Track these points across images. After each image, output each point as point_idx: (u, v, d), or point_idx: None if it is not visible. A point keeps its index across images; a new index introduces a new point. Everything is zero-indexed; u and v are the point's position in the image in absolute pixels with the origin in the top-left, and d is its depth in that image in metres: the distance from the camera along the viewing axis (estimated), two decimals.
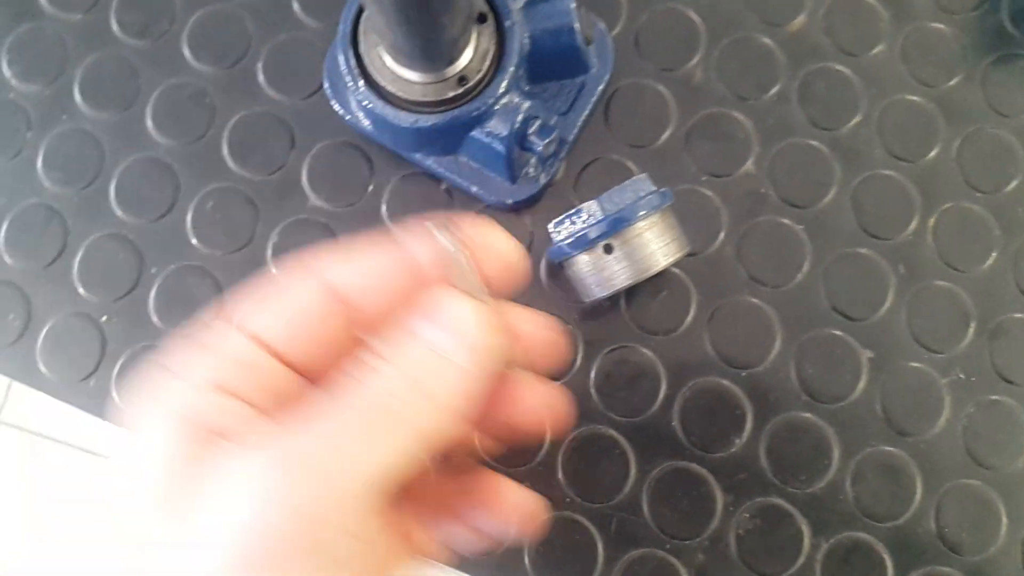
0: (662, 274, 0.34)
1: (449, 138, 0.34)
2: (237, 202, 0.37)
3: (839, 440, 0.35)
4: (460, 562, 0.34)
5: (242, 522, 0.18)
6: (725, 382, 0.35)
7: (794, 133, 0.37)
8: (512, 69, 0.32)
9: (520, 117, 0.32)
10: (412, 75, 0.32)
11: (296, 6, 0.39)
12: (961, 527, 0.34)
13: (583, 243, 0.31)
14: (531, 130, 0.33)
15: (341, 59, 0.32)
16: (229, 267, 0.37)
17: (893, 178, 0.37)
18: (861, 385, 0.35)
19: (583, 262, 0.32)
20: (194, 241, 0.37)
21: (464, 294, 0.21)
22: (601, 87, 0.36)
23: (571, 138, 0.36)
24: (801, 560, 0.34)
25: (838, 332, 0.35)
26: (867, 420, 0.35)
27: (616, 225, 0.31)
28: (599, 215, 0.31)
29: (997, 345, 0.35)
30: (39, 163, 0.38)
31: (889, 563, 0.34)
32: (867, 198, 0.36)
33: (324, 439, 0.19)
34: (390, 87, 0.32)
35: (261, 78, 0.38)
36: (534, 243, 0.36)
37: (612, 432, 0.35)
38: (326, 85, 0.36)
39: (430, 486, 0.25)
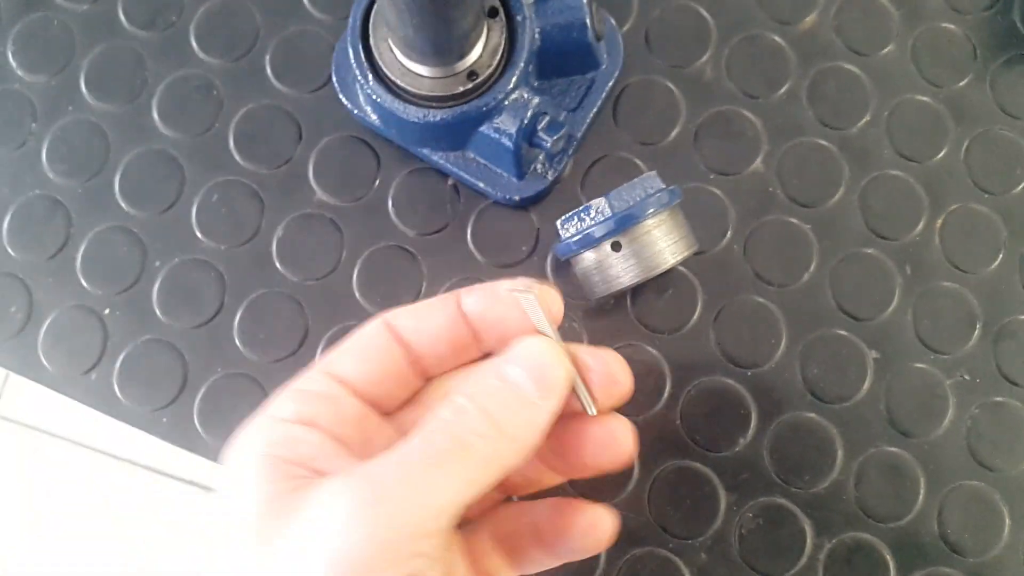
0: (668, 272, 0.34)
1: (457, 133, 0.34)
2: (243, 195, 0.37)
3: (843, 440, 0.35)
4: None
5: (328, 548, 0.19)
6: (730, 381, 0.35)
7: (803, 132, 0.37)
8: (522, 64, 0.32)
9: (529, 113, 0.32)
10: (422, 69, 0.32)
11: None
12: (964, 528, 0.34)
13: (591, 240, 0.31)
14: (540, 126, 0.33)
15: (351, 53, 0.32)
16: (234, 260, 0.37)
17: (901, 178, 0.37)
18: (866, 385, 0.35)
19: (590, 259, 0.32)
20: (199, 234, 0.37)
21: (537, 334, 0.24)
22: (611, 84, 0.36)
23: (580, 135, 0.35)
24: (803, 560, 0.34)
25: (844, 332, 0.35)
26: (871, 420, 0.35)
27: (625, 222, 0.30)
28: (607, 212, 0.31)
29: (1002, 347, 0.35)
30: (44, 154, 0.38)
31: (891, 564, 0.34)
32: (875, 198, 0.36)
33: (403, 470, 0.21)
34: (399, 81, 0.32)
35: (269, 71, 0.38)
36: (540, 240, 0.36)
37: None
38: (334, 79, 0.36)
39: (505, 510, 0.27)
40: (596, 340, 0.36)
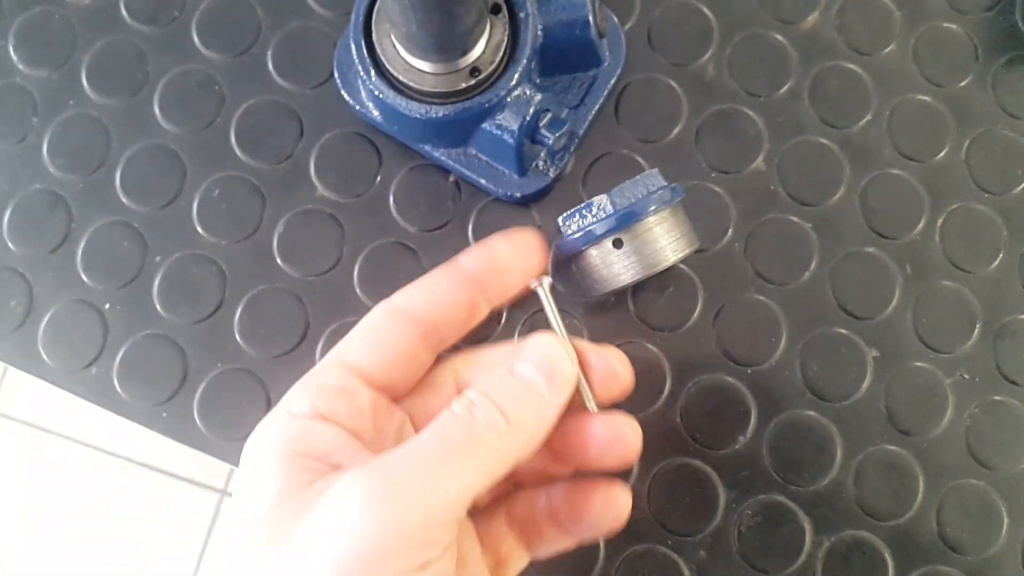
0: (669, 270, 0.34)
1: (459, 130, 0.34)
2: (244, 191, 0.37)
3: (842, 438, 0.35)
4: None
5: (342, 538, 0.20)
6: (730, 379, 0.35)
7: (805, 131, 0.37)
8: (525, 61, 0.32)
9: (531, 110, 0.32)
10: (424, 65, 0.31)
11: None
12: (962, 527, 0.34)
13: (592, 237, 0.31)
14: (542, 123, 0.33)
15: (353, 48, 0.32)
16: (234, 256, 0.37)
17: (902, 178, 0.37)
18: (865, 384, 0.35)
19: (591, 256, 0.32)
20: (199, 229, 0.37)
21: (549, 333, 0.25)
22: (613, 81, 0.36)
23: (581, 132, 0.36)
24: (802, 558, 0.34)
25: (844, 331, 0.36)
26: (871, 419, 0.35)
27: (626, 220, 0.30)
28: (609, 209, 0.31)
29: (1002, 346, 0.35)
30: (44, 149, 0.38)
31: (890, 562, 0.34)
32: (876, 197, 0.36)
33: (417, 462, 0.21)
34: (402, 77, 0.32)
35: (271, 66, 0.38)
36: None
37: None
38: (336, 75, 0.36)
39: (519, 495, 0.27)
40: (596, 337, 0.36)
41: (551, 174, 0.35)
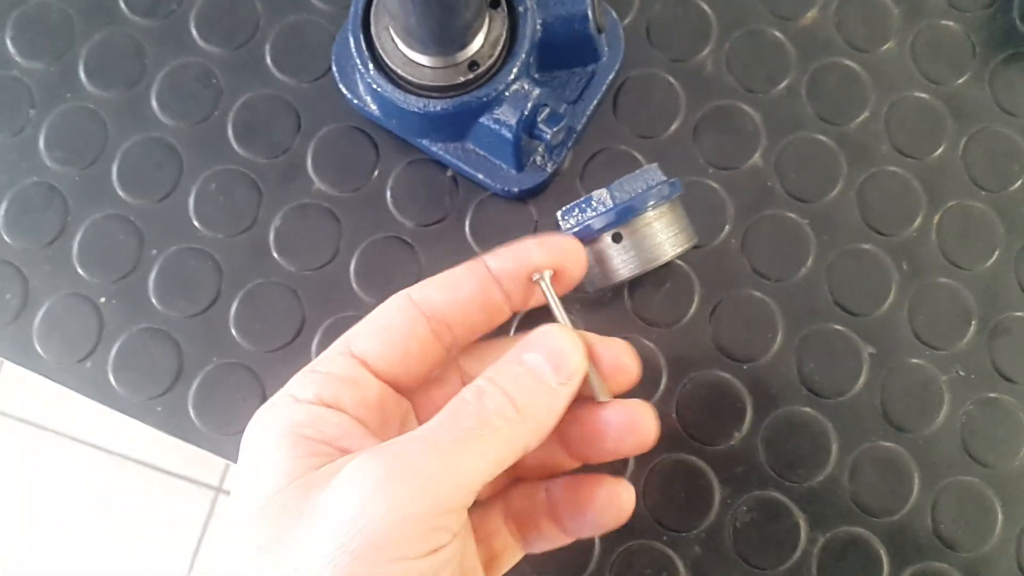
0: (666, 266, 0.34)
1: (457, 124, 0.33)
2: (241, 185, 0.37)
3: (838, 435, 0.35)
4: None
5: (350, 519, 0.20)
6: (726, 375, 0.35)
7: (802, 127, 0.37)
8: (523, 56, 0.32)
9: (530, 104, 0.32)
10: (423, 59, 0.31)
11: None
12: (957, 524, 0.34)
13: (591, 232, 0.31)
14: (540, 118, 0.33)
15: (351, 42, 0.32)
16: (231, 250, 0.37)
17: (899, 174, 0.37)
18: (861, 380, 0.35)
19: (590, 251, 0.32)
20: (196, 223, 0.37)
21: (557, 324, 0.25)
22: (611, 76, 0.36)
23: (579, 127, 0.35)
24: (797, 554, 0.34)
25: (840, 327, 0.36)
26: (866, 415, 0.35)
27: (625, 214, 0.30)
28: (609, 203, 0.31)
29: (997, 343, 0.35)
30: (41, 141, 0.38)
31: (885, 558, 0.34)
32: (873, 194, 0.37)
33: (429, 447, 0.21)
34: (400, 71, 0.32)
35: (269, 60, 0.38)
36: (539, 232, 0.36)
37: None
38: (334, 68, 0.36)
39: (517, 489, 0.27)
40: (594, 332, 0.35)
41: (549, 169, 0.35)
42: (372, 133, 0.37)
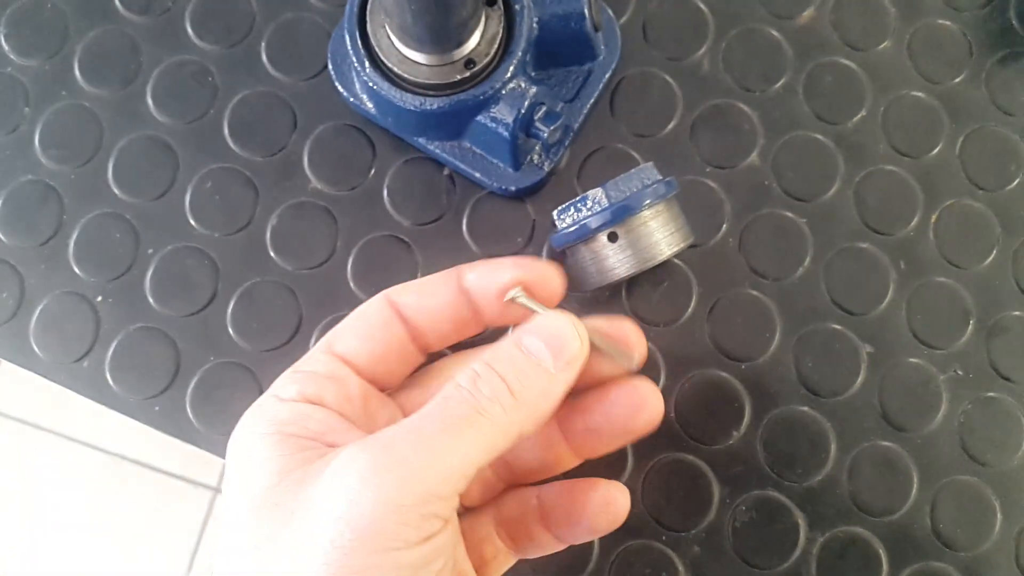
0: (663, 265, 0.34)
1: (454, 122, 0.33)
2: (237, 183, 0.37)
3: (836, 434, 0.35)
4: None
5: (340, 512, 0.20)
6: (724, 374, 0.35)
7: (799, 126, 0.37)
8: (520, 54, 0.32)
9: (526, 103, 0.32)
10: (419, 57, 0.31)
11: None
12: (956, 523, 0.34)
13: (587, 231, 0.31)
14: (537, 116, 0.32)
15: (347, 39, 0.32)
16: (227, 248, 0.36)
17: (896, 174, 0.37)
18: (859, 380, 0.35)
19: (586, 250, 0.32)
20: (192, 222, 0.37)
21: (560, 311, 0.25)
22: (608, 75, 0.36)
23: (576, 126, 0.35)
24: (796, 553, 0.34)
25: (838, 326, 0.35)
26: (865, 415, 0.35)
27: (621, 213, 0.30)
28: (604, 202, 0.31)
29: (995, 342, 0.35)
30: (36, 139, 0.38)
31: (884, 558, 0.34)
32: (870, 193, 0.36)
33: (418, 436, 0.21)
34: (396, 69, 0.32)
35: (264, 58, 0.38)
36: (536, 231, 0.36)
37: None
38: (330, 66, 0.36)
39: (509, 495, 0.27)
40: None
41: (546, 168, 0.35)
42: (368, 131, 0.37)
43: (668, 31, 0.38)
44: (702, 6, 0.38)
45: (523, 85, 0.32)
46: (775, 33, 0.38)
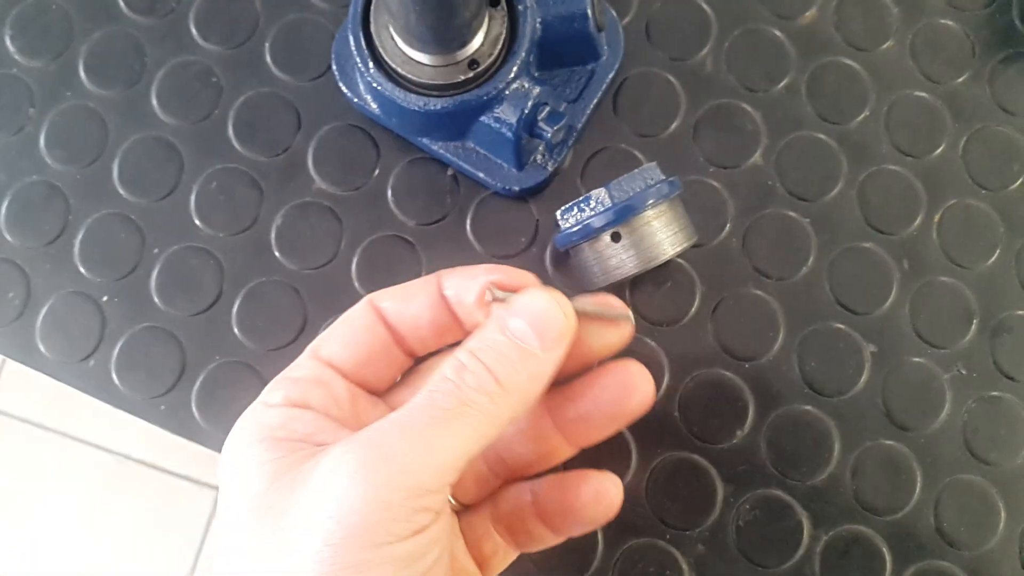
0: (667, 264, 0.34)
1: (457, 123, 0.34)
2: (242, 183, 0.37)
3: (840, 433, 0.35)
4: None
5: (330, 510, 0.20)
6: (728, 374, 0.35)
7: (802, 126, 0.37)
8: (523, 54, 0.32)
9: (530, 103, 0.32)
10: (423, 58, 0.31)
11: None
12: (960, 522, 0.34)
13: (590, 231, 0.31)
14: (540, 116, 0.33)
15: (351, 40, 0.32)
16: (232, 248, 0.37)
17: (899, 173, 0.37)
18: (863, 379, 0.35)
19: (589, 250, 0.32)
20: (197, 222, 0.37)
21: (542, 287, 0.24)
22: (611, 75, 0.36)
23: (580, 126, 0.35)
24: (800, 552, 0.34)
25: (841, 326, 0.36)
26: (868, 414, 0.35)
27: (624, 213, 0.30)
28: (607, 202, 0.31)
29: (999, 341, 0.35)
30: (41, 140, 0.38)
31: (888, 556, 0.34)
32: (873, 193, 0.37)
33: (405, 431, 0.21)
34: (400, 69, 0.32)
35: (268, 59, 0.38)
36: (539, 231, 0.36)
37: None
38: (334, 67, 0.36)
39: (504, 491, 0.27)
40: None
41: (549, 168, 0.35)
42: (372, 132, 0.37)
43: (671, 31, 0.38)
44: (705, 6, 0.38)
45: (526, 85, 0.32)
46: (778, 33, 0.38)
